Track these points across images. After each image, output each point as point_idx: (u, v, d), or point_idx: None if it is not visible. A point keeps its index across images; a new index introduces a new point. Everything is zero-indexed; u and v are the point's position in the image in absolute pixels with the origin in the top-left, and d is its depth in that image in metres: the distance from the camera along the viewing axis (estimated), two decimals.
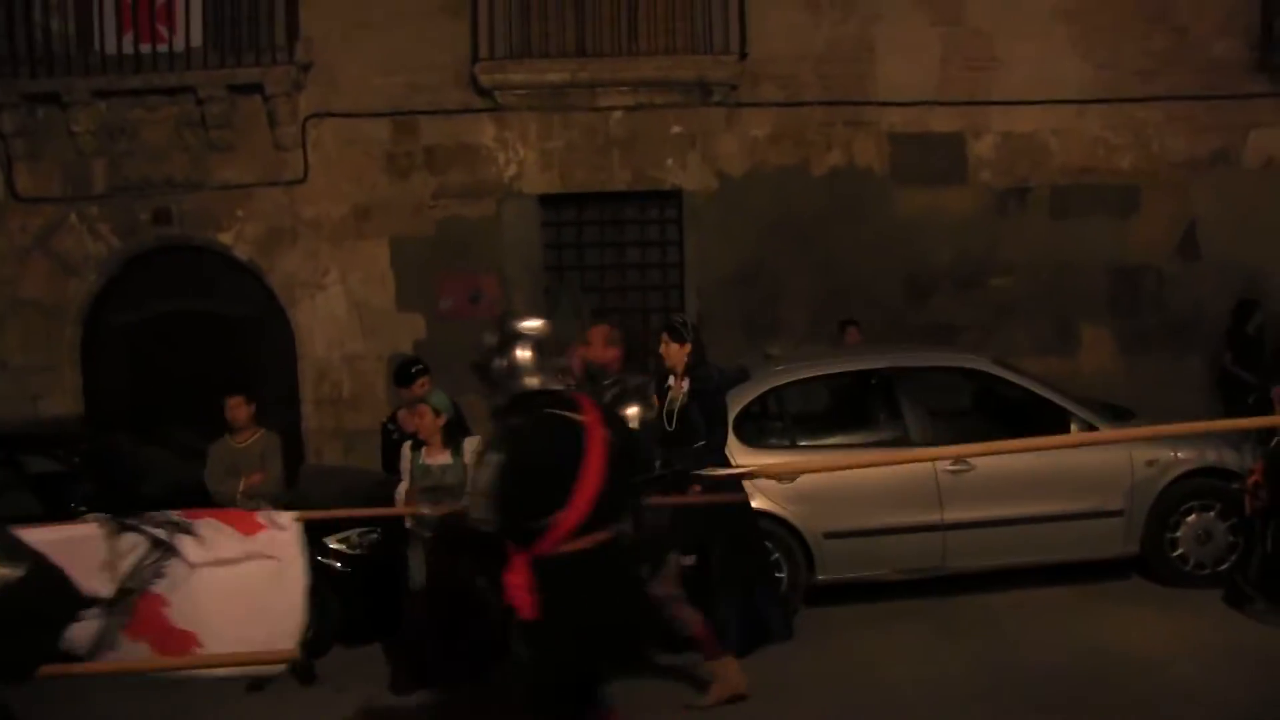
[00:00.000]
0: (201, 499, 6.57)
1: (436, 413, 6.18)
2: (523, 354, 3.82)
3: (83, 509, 6.99)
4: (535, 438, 3.77)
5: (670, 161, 10.11)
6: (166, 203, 10.09)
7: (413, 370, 7.03)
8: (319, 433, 10.16)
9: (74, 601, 3.50)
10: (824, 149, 10.14)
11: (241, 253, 10.15)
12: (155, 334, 10.20)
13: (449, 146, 10.09)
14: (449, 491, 5.85)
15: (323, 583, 6.06)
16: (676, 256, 10.36)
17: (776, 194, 10.09)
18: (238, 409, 6.92)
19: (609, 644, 3.82)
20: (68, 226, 10.09)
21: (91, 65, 9.73)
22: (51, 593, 3.40)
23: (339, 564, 6.81)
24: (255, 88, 9.81)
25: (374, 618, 6.80)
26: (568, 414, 3.76)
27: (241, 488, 6.67)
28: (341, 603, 6.69)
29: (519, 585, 3.67)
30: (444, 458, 6.14)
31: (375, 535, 6.87)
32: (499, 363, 3.83)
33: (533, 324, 3.87)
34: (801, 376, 7.60)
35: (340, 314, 10.17)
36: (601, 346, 5.62)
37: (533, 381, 3.82)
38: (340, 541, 6.84)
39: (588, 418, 3.79)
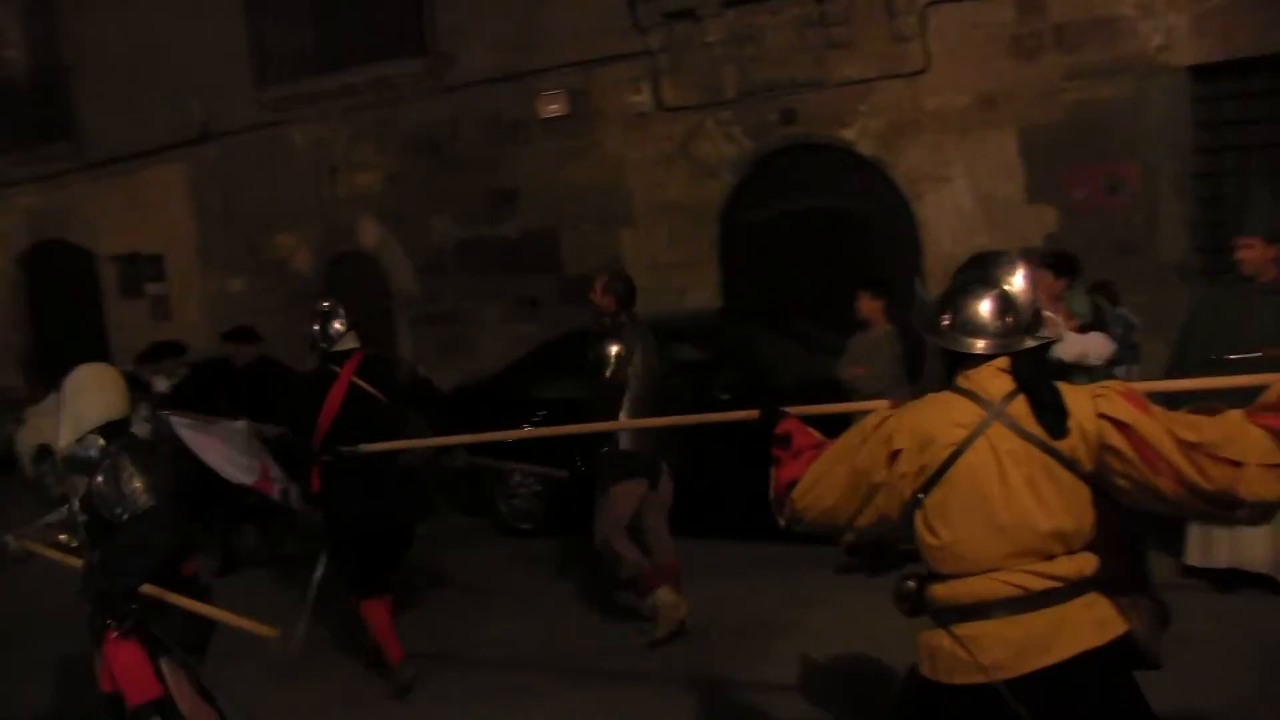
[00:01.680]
0: (828, 391, 7.28)
1: (1070, 315, 6.37)
2: None
3: (725, 396, 8.15)
4: None
5: None
6: (791, 103, 10.79)
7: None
8: None
9: (178, 537, 4.48)
10: None
11: (864, 148, 10.56)
12: (783, 231, 11.03)
13: (1081, 21, 9.64)
14: None
15: None
16: None
17: None
18: (861, 303, 7.59)
19: None
20: (704, 132, 11.28)
21: None
22: (164, 528, 4.37)
23: None
24: None
25: None
26: None
27: (848, 376, 7.37)
28: None
29: None
30: None
31: None
32: None
33: None
34: None
35: (966, 207, 10.21)
36: (599, 294, 6.62)
37: None
38: None
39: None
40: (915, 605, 2.98)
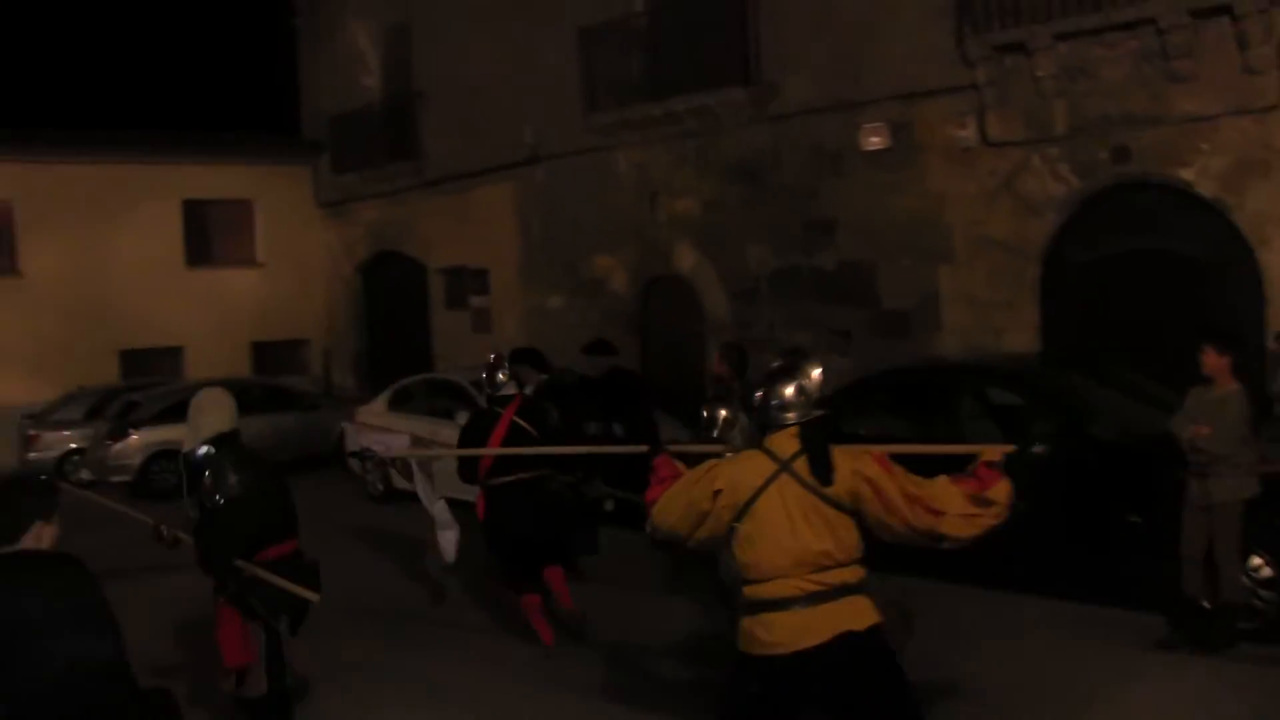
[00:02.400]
0: (1160, 446, 7.12)
1: None
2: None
3: (1036, 448, 8.12)
4: None
5: None
6: (1125, 140, 10.61)
7: None
8: None
9: (258, 525, 5.63)
10: None
11: (1204, 189, 10.25)
12: (1110, 273, 10.86)
13: None
14: None
15: None
16: None
17: None
18: (1206, 357, 7.28)
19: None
20: (1030, 168, 11.25)
21: (1053, 9, 10.62)
22: (246, 516, 5.58)
23: None
24: (1222, 10, 9.79)
25: None
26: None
27: (1189, 435, 7.12)
28: None
29: None
30: None
31: None
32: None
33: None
34: None
35: None
36: (718, 363, 8.36)
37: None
38: None
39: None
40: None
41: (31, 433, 17.22)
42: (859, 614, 4.03)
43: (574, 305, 16.25)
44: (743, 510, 4.06)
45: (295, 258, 22.11)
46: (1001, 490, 4.08)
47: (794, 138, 13.11)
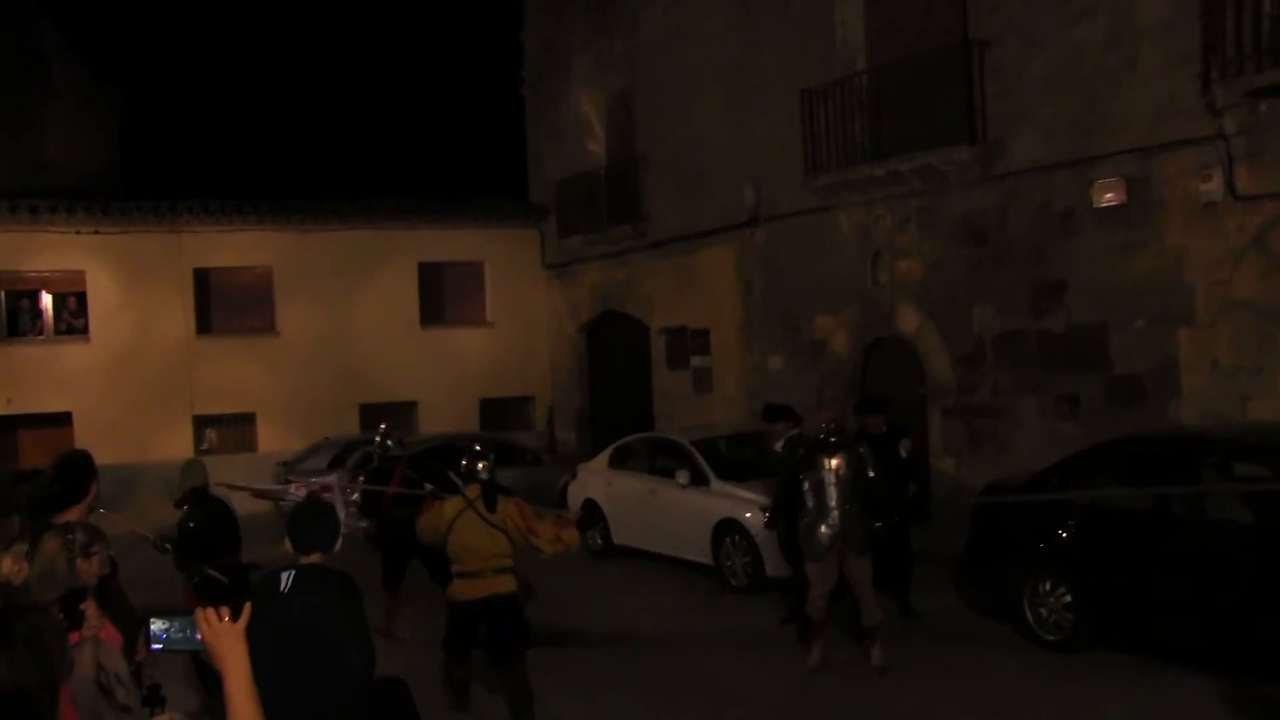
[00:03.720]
0: None
1: None
2: None
3: None
4: None
5: None
6: None
7: None
8: None
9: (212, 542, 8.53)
10: None
11: None
12: None
13: None
14: None
15: None
16: None
17: None
18: None
19: None
20: None
21: None
22: (202, 535, 8.57)
23: None
24: None
25: None
26: None
27: None
28: None
29: None
30: None
31: None
32: None
33: None
34: None
35: None
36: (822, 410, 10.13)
37: None
38: None
39: None
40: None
41: (286, 480, 18.32)
42: (507, 585, 7.59)
43: (794, 366, 16.16)
44: (449, 529, 7.64)
45: (522, 317, 22.87)
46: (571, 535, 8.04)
47: (1022, 196, 12.72)
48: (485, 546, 7.51)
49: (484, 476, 7.78)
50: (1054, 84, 12.27)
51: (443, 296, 22.81)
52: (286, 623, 4.40)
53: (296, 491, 11.77)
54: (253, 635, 2.67)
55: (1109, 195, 11.79)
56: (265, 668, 2.75)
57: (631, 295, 20.33)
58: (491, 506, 7.60)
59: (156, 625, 2.75)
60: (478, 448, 8.07)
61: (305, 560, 4.81)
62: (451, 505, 7.74)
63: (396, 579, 10.86)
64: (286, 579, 4.65)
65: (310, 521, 4.99)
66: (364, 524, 11.51)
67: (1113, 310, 11.77)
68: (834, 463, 8.88)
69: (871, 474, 9.06)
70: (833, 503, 8.81)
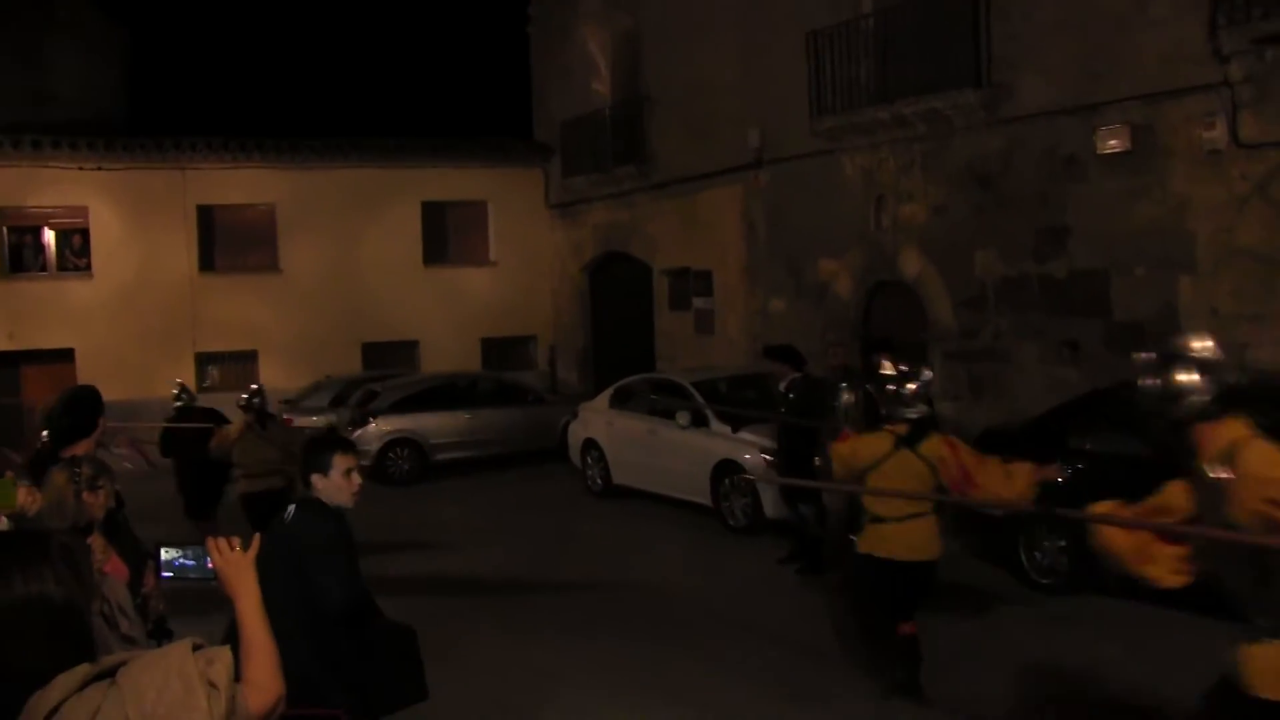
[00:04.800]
0: None
1: None
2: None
3: None
4: None
5: None
6: None
7: None
8: None
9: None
10: None
11: None
12: None
13: None
14: None
15: None
16: None
17: None
18: None
19: None
20: None
21: None
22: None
23: None
24: None
25: None
26: None
27: None
28: None
29: None
30: None
31: None
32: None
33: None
34: None
35: None
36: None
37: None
38: None
39: None
40: None
41: (286, 416, 18.44)
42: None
43: (796, 309, 16.20)
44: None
45: (526, 257, 22.88)
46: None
47: (1027, 141, 12.68)
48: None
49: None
50: (1061, 28, 12.18)
51: (446, 235, 22.82)
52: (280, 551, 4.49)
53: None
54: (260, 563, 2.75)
55: (1113, 142, 11.75)
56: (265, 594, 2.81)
57: (635, 236, 20.32)
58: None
59: (167, 554, 2.82)
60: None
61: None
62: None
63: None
64: (290, 511, 4.76)
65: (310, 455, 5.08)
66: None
67: (1115, 257, 11.79)
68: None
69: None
70: None
